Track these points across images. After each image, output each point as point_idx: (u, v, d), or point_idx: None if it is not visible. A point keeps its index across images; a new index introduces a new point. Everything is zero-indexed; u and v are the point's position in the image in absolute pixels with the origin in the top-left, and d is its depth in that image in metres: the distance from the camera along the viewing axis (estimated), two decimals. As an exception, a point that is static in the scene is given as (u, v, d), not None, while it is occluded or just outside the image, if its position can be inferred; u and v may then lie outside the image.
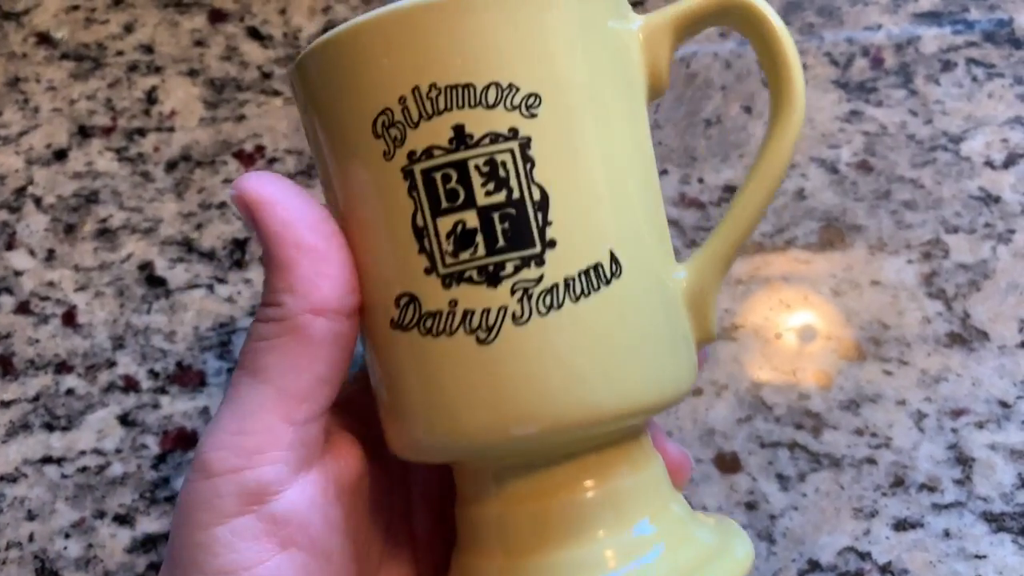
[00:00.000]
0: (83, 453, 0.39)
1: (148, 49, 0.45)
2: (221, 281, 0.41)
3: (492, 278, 0.23)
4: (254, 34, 0.45)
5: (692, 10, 0.26)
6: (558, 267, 0.23)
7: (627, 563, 0.24)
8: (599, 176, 0.24)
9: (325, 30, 0.45)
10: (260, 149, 0.43)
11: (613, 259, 0.24)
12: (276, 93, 0.44)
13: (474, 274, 0.23)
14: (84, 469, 0.39)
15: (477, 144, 0.23)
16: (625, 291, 0.24)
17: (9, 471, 0.39)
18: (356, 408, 0.28)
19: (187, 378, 0.40)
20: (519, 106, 0.23)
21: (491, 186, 0.23)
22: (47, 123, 0.44)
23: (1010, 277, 0.40)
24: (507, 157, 0.23)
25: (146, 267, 0.41)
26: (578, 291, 0.23)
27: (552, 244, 0.23)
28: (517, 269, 0.23)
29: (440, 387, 0.24)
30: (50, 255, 0.42)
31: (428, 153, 0.23)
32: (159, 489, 0.38)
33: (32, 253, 0.42)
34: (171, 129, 0.44)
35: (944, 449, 0.37)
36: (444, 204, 0.23)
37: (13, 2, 0.46)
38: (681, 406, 0.38)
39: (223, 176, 0.43)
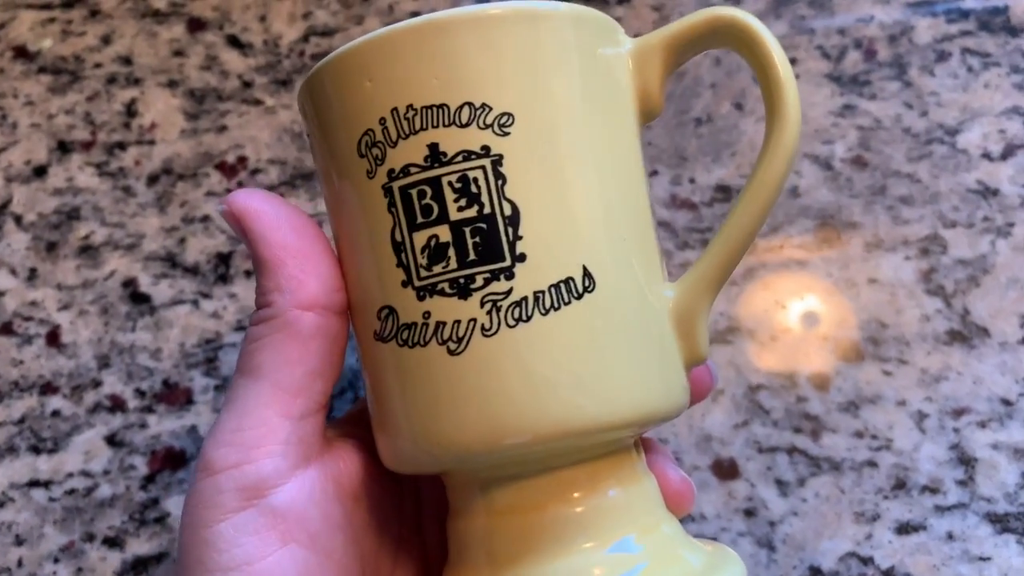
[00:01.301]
0: (70, 475, 0.38)
1: (127, 61, 0.44)
2: (206, 296, 0.40)
3: (463, 290, 0.24)
4: (234, 42, 0.44)
5: (681, 32, 0.26)
6: (528, 281, 0.24)
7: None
8: (573, 193, 0.24)
9: (306, 36, 0.44)
10: (242, 160, 0.42)
11: (587, 274, 0.24)
12: (257, 102, 0.43)
13: (446, 287, 0.24)
14: (72, 492, 0.38)
15: (451, 161, 0.24)
16: (598, 306, 0.24)
17: (-4, 496, 0.38)
18: (366, 419, 0.28)
19: (174, 396, 0.39)
20: (491, 124, 0.24)
21: (463, 202, 0.24)
22: (26, 139, 0.43)
23: (1010, 272, 0.39)
24: (479, 174, 0.24)
25: (130, 284, 0.41)
26: (547, 304, 0.24)
27: (522, 258, 0.24)
28: (487, 282, 0.24)
29: (415, 397, 0.24)
30: (32, 274, 0.41)
31: (405, 171, 0.24)
32: (148, 510, 0.38)
33: (14, 272, 0.41)
34: (152, 142, 0.43)
35: (946, 449, 0.37)
36: (419, 219, 0.24)
37: (-12, 16, 0.45)
38: (677, 412, 0.38)
39: (205, 189, 0.42)
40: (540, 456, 0.24)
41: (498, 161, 0.24)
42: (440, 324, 0.24)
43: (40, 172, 0.43)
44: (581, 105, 0.24)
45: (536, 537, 0.25)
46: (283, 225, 0.26)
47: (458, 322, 0.23)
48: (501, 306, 0.23)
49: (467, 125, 0.23)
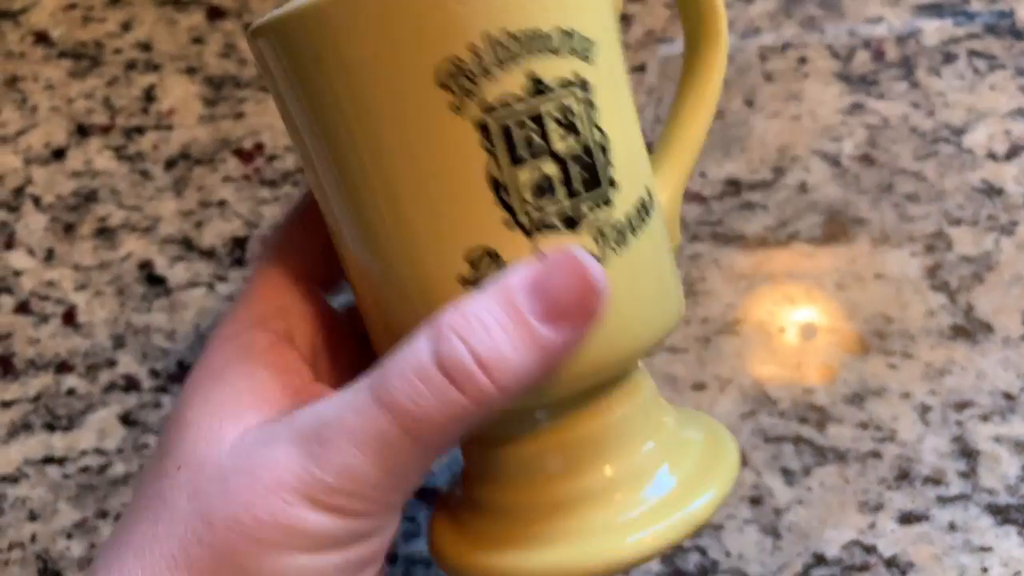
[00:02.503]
0: (84, 453, 0.39)
1: (146, 47, 0.45)
2: (221, 279, 0.41)
3: (571, 222, 0.23)
4: (252, 31, 0.45)
5: None
6: (621, 206, 0.24)
7: (641, 486, 0.26)
8: (632, 119, 0.25)
9: (324, 26, 0.45)
10: (259, 147, 0.43)
11: (648, 192, 0.25)
12: (275, 90, 0.44)
13: (556, 220, 0.23)
14: (86, 469, 0.38)
15: (551, 91, 0.23)
16: (658, 223, 0.26)
17: (10, 471, 0.38)
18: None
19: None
20: (578, 52, 0.23)
21: (564, 132, 0.23)
22: (45, 122, 0.44)
23: (1014, 269, 0.39)
24: (574, 103, 0.23)
25: (146, 266, 0.41)
26: (635, 226, 0.24)
27: (614, 184, 0.24)
28: (591, 210, 0.24)
29: None
30: (49, 254, 0.42)
31: (504, 103, 0.22)
32: (161, 488, 0.38)
33: (31, 253, 0.42)
34: (170, 127, 0.43)
35: (949, 442, 0.37)
36: (522, 154, 0.23)
37: (10, 1, 0.46)
38: (685, 401, 0.38)
39: (222, 174, 0.43)
40: (610, 375, 0.26)
41: (588, 89, 0.23)
42: None
43: (59, 155, 0.43)
44: (618, 33, 0.26)
45: (573, 456, 0.26)
46: None
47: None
48: (606, 232, 0.24)
49: (559, 52, 0.23)
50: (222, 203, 0.42)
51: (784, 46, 0.44)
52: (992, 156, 0.41)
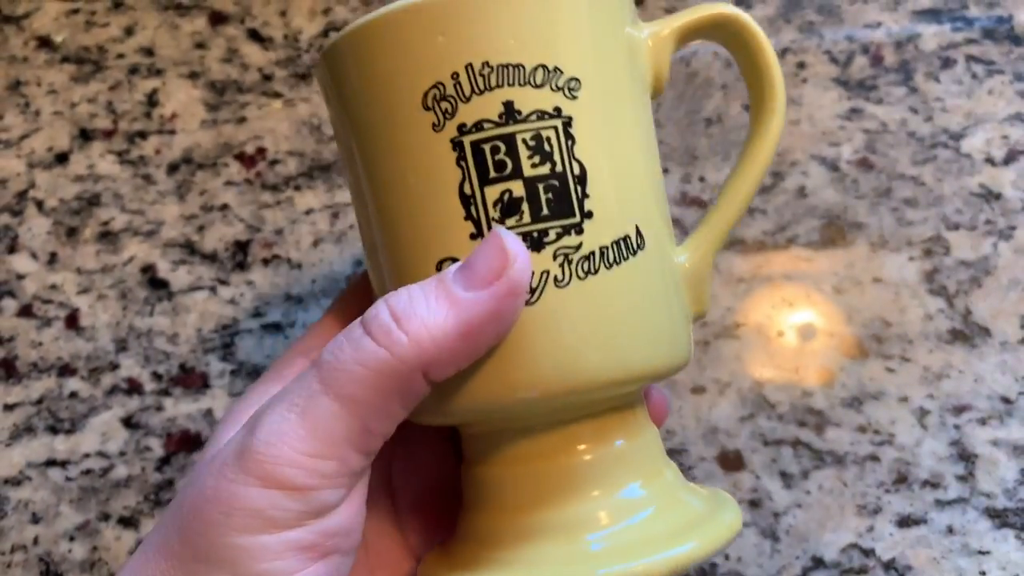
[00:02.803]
0: (87, 456, 0.39)
1: (149, 52, 0.45)
2: (223, 283, 0.41)
3: (536, 243, 0.25)
4: (255, 36, 0.45)
5: (691, 23, 0.29)
6: (594, 236, 0.25)
7: (618, 522, 0.25)
8: (626, 157, 0.26)
9: (325, 32, 0.45)
10: (261, 151, 0.43)
11: (638, 233, 0.26)
12: (277, 95, 0.44)
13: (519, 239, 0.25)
14: (88, 472, 0.39)
15: (525, 119, 0.25)
16: (647, 262, 0.26)
17: (13, 474, 0.39)
18: None
19: (190, 380, 0.40)
20: (563, 88, 0.25)
21: (537, 159, 0.25)
22: (48, 126, 0.44)
23: (1011, 273, 0.40)
24: (551, 133, 0.25)
25: (148, 269, 0.41)
26: (611, 259, 0.25)
27: (590, 215, 0.25)
28: (559, 236, 0.25)
29: None
30: (52, 258, 0.42)
31: (479, 126, 0.25)
32: (163, 491, 0.38)
33: (34, 256, 0.42)
34: (172, 132, 0.44)
35: (947, 445, 0.37)
36: (492, 173, 0.25)
37: (13, 6, 0.46)
38: (684, 404, 0.39)
39: (224, 178, 0.43)
40: (578, 404, 0.26)
41: (568, 123, 0.25)
42: None
43: (62, 159, 0.43)
44: (628, 75, 0.27)
45: (549, 485, 0.26)
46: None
47: (532, 274, 0.24)
48: (572, 259, 0.25)
49: (541, 86, 0.25)
50: (224, 207, 0.42)
51: (783, 51, 0.44)
52: (990, 161, 0.42)
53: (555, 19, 0.25)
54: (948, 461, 0.37)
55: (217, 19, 0.46)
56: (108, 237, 0.42)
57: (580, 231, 0.25)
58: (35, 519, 0.38)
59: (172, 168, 0.43)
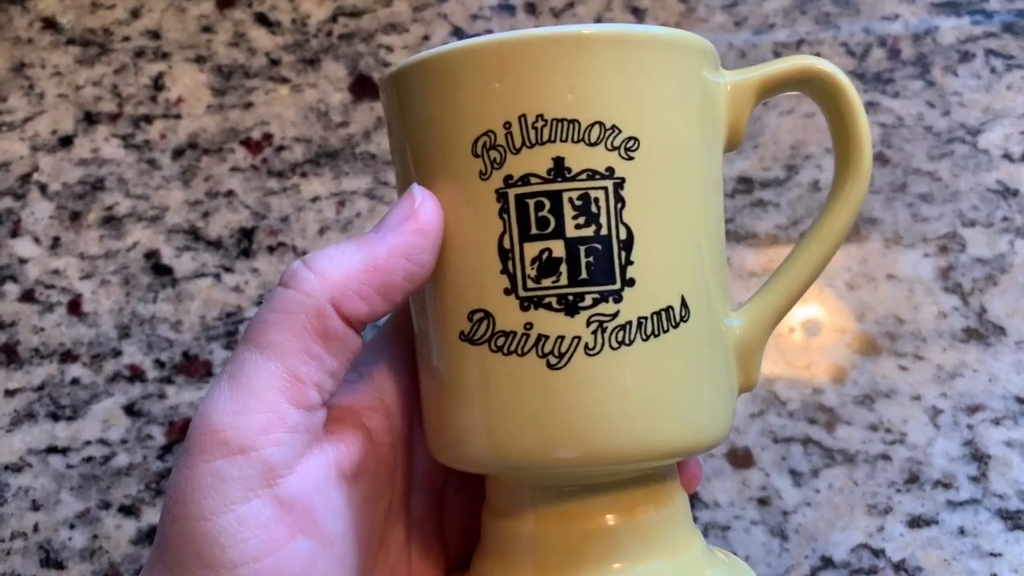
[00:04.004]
0: (88, 443, 0.38)
1: (155, 35, 0.45)
2: (228, 270, 0.41)
3: (571, 307, 0.24)
4: (262, 20, 0.45)
5: (776, 75, 0.27)
6: (634, 305, 0.24)
7: None
8: (682, 223, 0.25)
9: (334, 17, 0.45)
10: (268, 137, 0.43)
11: (684, 304, 0.24)
12: (284, 80, 0.43)
13: (553, 301, 0.24)
14: (89, 459, 0.38)
15: (575, 178, 0.24)
16: (690, 336, 0.25)
17: (14, 460, 0.38)
18: (362, 396, 0.28)
19: (193, 368, 0.39)
20: (619, 147, 0.24)
21: (582, 220, 0.24)
22: (53, 109, 0.43)
23: (1028, 272, 0.39)
24: (600, 194, 0.24)
25: (152, 256, 0.41)
26: (649, 331, 0.24)
27: (631, 283, 0.24)
28: (596, 302, 0.24)
29: (500, 403, 0.24)
30: (55, 243, 0.41)
31: (525, 179, 0.24)
32: (165, 480, 0.38)
33: (37, 241, 0.41)
34: (178, 116, 0.43)
35: (959, 445, 0.37)
36: (533, 230, 0.24)
37: (18, -14, 0.46)
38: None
39: (230, 164, 0.42)
40: (602, 473, 0.25)
41: (620, 184, 0.24)
42: (542, 337, 0.24)
43: (66, 142, 0.43)
44: (697, 137, 0.25)
45: (569, 548, 0.25)
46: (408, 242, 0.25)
47: (562, 338, 0.24)
48: (607, 327, 0.24)
49: (595, 144, 0.24)
50: (230, 193, 0.42)
51: (798, 43, 0.43)
52: (1008, 157, 0.41)
53: (618, 75, 0.24)
54: (961, 461, 0.37)
55: (224, 2, 0.45)
56: (112, 222, 0.41)
57: (619, 299, 0.24)
58: (35, 506, 0.38)
59: (177, 153, 0.42)
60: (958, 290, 0.39)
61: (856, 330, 0.39)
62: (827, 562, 0.36)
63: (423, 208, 0.24)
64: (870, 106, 0.42)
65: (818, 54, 0.43)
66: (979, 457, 0.37)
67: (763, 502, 0.37)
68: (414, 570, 0.29)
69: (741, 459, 0.37)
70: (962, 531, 0.36)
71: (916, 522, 0.36)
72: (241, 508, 0.23)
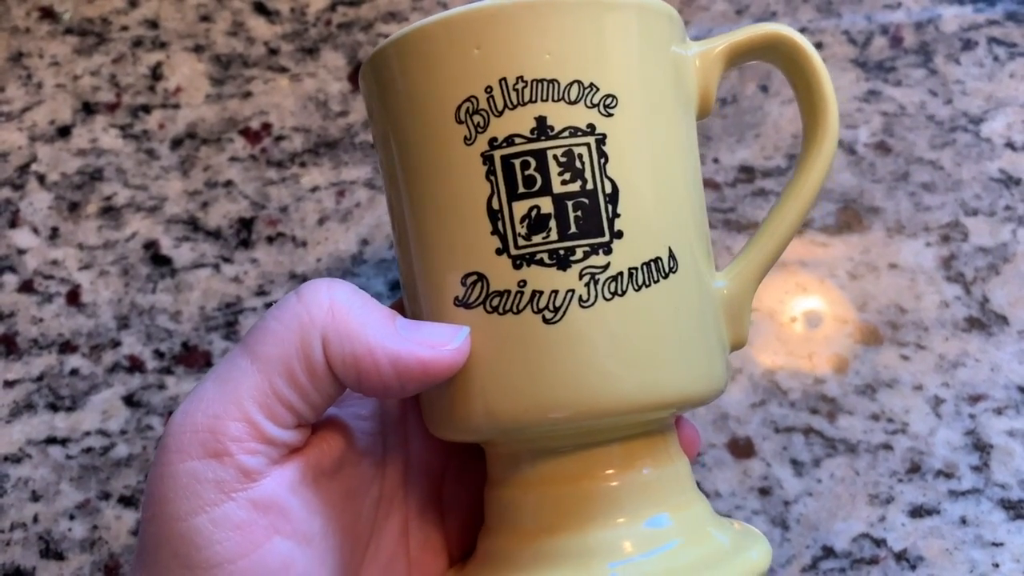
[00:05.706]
0: (88, 434, 0.38)
1: (153, 24, 0.44)
2: (227, 260, 0.40)
3: (562, 261, 0.24)
4: (261, 9, 0.44)
5: (741, 43, 0.28)
6: (624, 257, 0.24)
7: (643, 551, 0.25)
8: (663, 177, 0.25)
9: (333, 6, 0.44)
10: (267, 127, 0.42)
11: (671, 255, 0.25)
12: (283, 70, 0.43)
13: (545, 257, 0.24)
14: (89, 450, 0.38)
15: (557, 136, 0.24)
16: (679, 286, 0.25)
17: (13, 451, 0.38)
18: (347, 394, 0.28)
19: (193, 358, 0.39)
20: (598, 105, 0.24)
21: (567, 175, 0.24)
22: (51, 99, 0.43)
23: (1031, 261, 0.39)
24: (584, 150, 0.24)
25: (151, 246, 0.41)
26: (640, 281, 0.25)
27: (620, 235, 0.24)
28: (586, 255, 0.24)
29: (501, 363, 0.25)
30: (54, 233, 0.41)
31: (509, 140, 0.24)
32: (165, 471, 0.38)
33: (36, 231, 0.41)
34: (176, 106, 0.43)
35: (961, 435, 0.37)
36: (521, 189, 0.24)
37: (16, -25, 0.45)
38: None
39: (229, 154, 0.42)
40: (606, 426, 0.25)
41: (602, 140, 0.24)
42: (537, 293, 0.24)
43: (64, 132, 0.43)
44: (671, 94, 0.26)
45: (572, 509, 0.25)
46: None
47: (556, 292, 0.24)
48: (599, 279, 0.24)
49: (575, 102, 0.24)
50: (228, 183, 0.42)
51: (800, 31, 0.43)
52: (1010, 146, 0.41)
53: (593, 36, 0.25)
54: (963, 451, 0.37)
55: (223, -9, 0.45)
56: (110, 212, 0.41)
57: (608, 251, 0.24)
58: (35, 497, 0.38)
59: (176, 143, 0.42)
60: (960, 279, 0.39)
61: (858, 320, 0.39)
62: (828, 552, 0.36)
63: (459, 350, 0.24)
64: (872, 95, 0.42)
65: (820, 43, 0.43)
66: (981, 447, 0.37)
67: (764, 492, 0.37)
68: (413, 560, 0.29)
69: (742, 449, 0.37)
70: (964, 521, 0.36)
71: (918, 512, 0.36)
72: (215, 511, 0.23)
